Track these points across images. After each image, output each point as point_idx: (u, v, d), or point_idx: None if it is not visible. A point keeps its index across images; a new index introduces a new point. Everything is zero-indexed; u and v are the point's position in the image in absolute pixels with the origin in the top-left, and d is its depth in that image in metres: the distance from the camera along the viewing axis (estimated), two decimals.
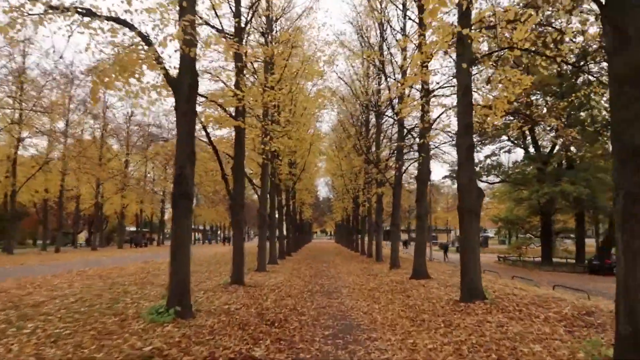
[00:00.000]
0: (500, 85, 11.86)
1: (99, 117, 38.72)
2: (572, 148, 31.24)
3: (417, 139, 16.04)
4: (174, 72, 8.19)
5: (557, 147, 34.15)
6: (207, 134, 12.90)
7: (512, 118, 33.45)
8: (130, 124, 43.21)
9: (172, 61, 13.32)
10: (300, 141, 25.51)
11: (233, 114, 12.83)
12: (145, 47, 7.59)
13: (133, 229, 71.73)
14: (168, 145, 44.13)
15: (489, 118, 13.20)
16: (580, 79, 32.37)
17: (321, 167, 56.65)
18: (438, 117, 15.15)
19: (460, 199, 10.32)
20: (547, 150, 35.05)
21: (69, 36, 7.59)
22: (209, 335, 6.54)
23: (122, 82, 7.07)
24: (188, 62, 8.09)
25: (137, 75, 7.34)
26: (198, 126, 14.38)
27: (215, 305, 9.11)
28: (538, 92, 31.90)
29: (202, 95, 12.07)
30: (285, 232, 33.40)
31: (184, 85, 7.97)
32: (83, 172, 34.36)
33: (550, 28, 11.64)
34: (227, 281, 12.73)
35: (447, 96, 18.23)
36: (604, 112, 31.85)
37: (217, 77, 14.04)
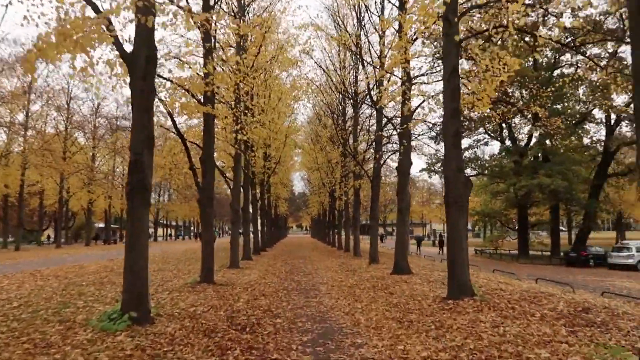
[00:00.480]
0: (488, 73, 11.23)
1: (63, 109, 36.80)
2: (548, 141, 31.24)
3: (397, 129, 15.33)
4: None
5: (533, 140, 34.17)
6: (173, 121, 11.87)
7: (490, 109, 33.39)
8: (97, 117, 41.33)
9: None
10: (275, 133, 24.62)
11: (202, 101, 11.83)
12: (93, 15, 6.55)
13: (103, 225, 69.48)
14: None
15: (473, 109, 12.60)
16: (557, 72, 32.36)
17: (297, 160, 55.86)
18: (419, 105, 14.47)
19: (447, 190, 9.63)
20: (524, 143, 35.01)
21: (7, 5, 6.54)
22: (167, 345, 5.61)
23: (65, 52, 6.03)
24: (144, 33, 7.08)
25: (87, 48, 6.31)
26: (163, 111, 13.38)
27: (179, 307, 8.16)
28: (514, 84, 31.71)
29: (166, 79, 11.05)
30: (260, 227, 32.44)
31: (140, 58, 6.96)
32: (45, 165, 32.52)
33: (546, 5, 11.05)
34: (196, 280, 11.76)
35: (427, 84, 17.56)
36: (579, 105, 31.96)
37: (182, 59, 12.94)
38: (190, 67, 12.71)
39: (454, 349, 5.54)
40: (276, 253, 29.28)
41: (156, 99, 10.61)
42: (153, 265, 17.78)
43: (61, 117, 36.58)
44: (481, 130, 35.94)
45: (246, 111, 16.25)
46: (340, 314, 8.10)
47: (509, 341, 5.79)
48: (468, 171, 38.36)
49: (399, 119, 20.98)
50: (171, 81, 11.03)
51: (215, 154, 21.15)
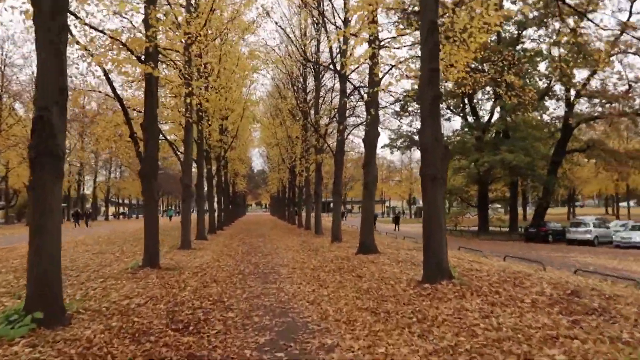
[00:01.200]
0: (466, 34, 10.16)
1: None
2: (509, 118, 31.05)
3: (364, 96, 14.14)
4: None
5: (495, 116, 33.98)
6: (108, 79, 10.18)
7: (462, 78, 32.77)
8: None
9: None
10: (232, 102, 22.98)
11: (142, 58, 10.16)
12: None
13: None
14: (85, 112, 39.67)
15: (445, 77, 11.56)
16: (519, 46, 32.00)
17: (256, 136, 54.02)
18: (388, 71, 13.29)
19: (424, 163, 8.56)
20: (485, 119, 34.76)
21: None
22: (78, 358, 4.27)
23: None
24: None
25: None
26: (99, 74, 11.57)
27: (110, 300, 6.76)
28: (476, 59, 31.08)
29: (98, 30, 9.33)
30: (216, 205, 30.83)
31: None
32: None
33: None
34: (138, 264, 10.30)
35: (397, 48, 16.42)
36: (542, 81, 31.84)
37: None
38: (129, 20, 11.00)
39: (447, 350, 4.48)
40: (233, 232, 27.87)
41: (84, 52, 8.95)
42: (95, 246, 16.08)
43: None
44: (442, 105, 35.37)
45: (198, 74, 14.63)
46: (304, 304, 6.95)
47: (510, 337, 4.80)
48: None
49: (365, 88, 19.83)
50: (103, 32, 9.32)
51: (165, 127, 19.40)
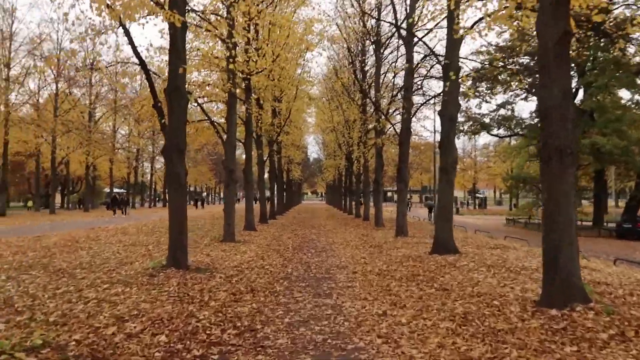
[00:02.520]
0: None
1: (53, 62, 33.18)
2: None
3: (441, 61, 11.43)
4: None
5: (580, 95, 29.71)
6: (129, 37, 8.23)
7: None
8: (92, 72, 37.59)
9: None
10: (284, 81, 20.94)
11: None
12: None
13: (116, 190, 67.04)
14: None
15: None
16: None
17: (310, 122, 52.04)
18: (478, 21, 10.49)
19: (546, 131, 5.91)
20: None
21: None
22: None
23: None
24: None
25: None
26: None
27: (91, 326, 4.70)
28: None
29: None
30: (268, 193, 29.10)
31: None
32: (30, 123, 29.30)
33: None
34: (162, 263, 8.35)
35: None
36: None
37: None
38: None
39: None
40: (286, 222, 25.95)
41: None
42: (132, 237, 14.52)
43: (49, 70, 32.96)
44: (512, 83, 31.36)
45: (245, 36, 12.63)
46: (373, 341, 4.55)
47: None
48: (501, 131, 34.25)
49: (434, 58, 17.05)
50: None
51: (203, 104, 17.55)
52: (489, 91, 31.92)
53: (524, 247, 14.10)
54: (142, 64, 8.50)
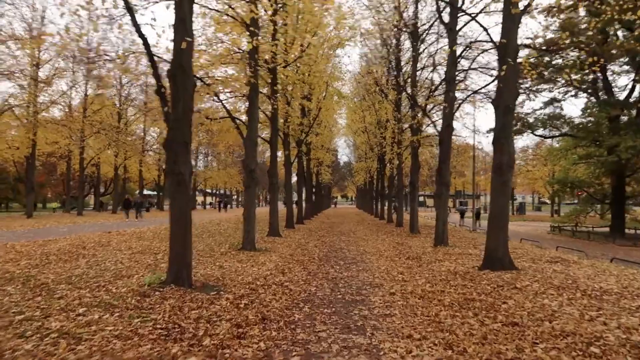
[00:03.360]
0: None
1: (82, 61, 32.90)
2: None
3: (494, 41, 9.72)
4: None
5: (637, 93, 27.13)
6: (130, 9, 6.95)
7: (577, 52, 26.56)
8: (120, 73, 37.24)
9: None
10: (313, 76, 19.59)
11: None
12: None
13: (146, 192, 67.16)
14: None
15: None
16: None
17: (341, 124, 50.58)
18: None
19: None
20: (623, 95, 27.94)
21: None
22: None
23: None
24: None
25: None
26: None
27: None
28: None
29: None
30: (296, 196, 27.75)
31: None
32: (57, 123, 28.92)
33: None
34: (160, 278, 6.99)
35: None
36: None
37: None
38: None
39: None
40: (314, 226, 24.49)
41: None
42: (145, 242, 13.34)
43: (79, 69, 32.62)
44: (562, 81, 28.97)
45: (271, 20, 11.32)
46: None
47: None
48: (546, 132, 31.76)
49: (482, 44, 15.37)
50: None
51: (226, 101, 16.28)
52: (533, 88, 29.65)
53: (583, 259, 12.16)
54: (144, 41, 7.19)
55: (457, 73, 15.07)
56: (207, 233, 17.26)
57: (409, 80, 20.41)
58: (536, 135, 31.18)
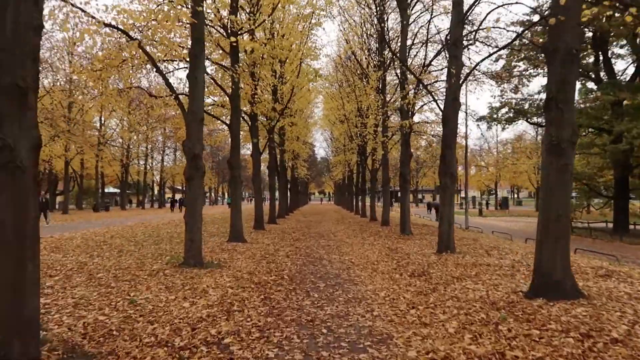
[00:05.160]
0: None
1: None
2: None
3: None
4: None
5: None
6: None
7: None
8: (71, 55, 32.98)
9: None
10: (285, 50, 16.52)
11: None
12: None
13: (118, 190, 62.52)
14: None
15: None
16: None
17: (317, 116, 47.60)
18: None
19: None
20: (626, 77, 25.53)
21: None
22: None
23: None
24: None
25: None
26: None
27: None
28: None
29: None
30: (268, 192, 24.41)
31: None
32: None
33: None
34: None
35: None
36: None
37: None
38: None
39: None
40: (288, 227, 21.24)
41: None
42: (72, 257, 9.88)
43: None
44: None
45: None
46: None
47: None
48: (543, 120, 29.17)
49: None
50: None
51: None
52: (527, 72, 27.04)
53: (634, 268, 9.29)
54: None
55: (464, 34, 12.00)
56: (153, 238, 13.86)
57: (397, 51, 17.34)
58: (530, 123, 28.62)
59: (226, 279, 7.55)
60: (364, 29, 21.43)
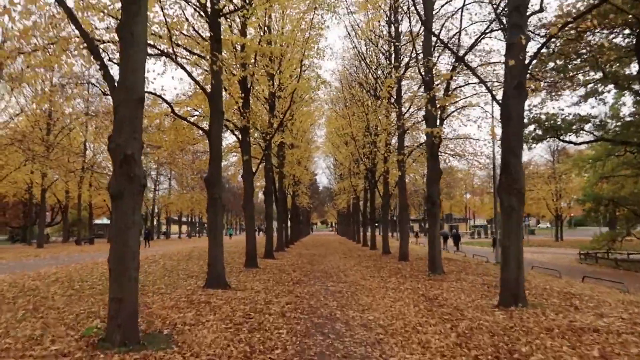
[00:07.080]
0: None
1: None
2: None
3: None
4: None
5: None
6: None
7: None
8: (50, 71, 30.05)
9: None
10: (282, 45, 13.51)
11: None
12: None
13: (105, 221, 58.93)
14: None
15: None
16: None
17: (319, 140, 44.91)
18: None
19: None
20: None
21: None
22: None
23: None
24: None
25: None
26: None
27: None
28: None
29: None
30: (265, 222, 20.94)
31: None
32: None
33: None
34: None
35: None
36: None
37: None
38: None
39: None
40: (287, 262, 17.57)
41: None
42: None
43: None
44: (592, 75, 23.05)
45: None
46: None
47: None
48: (573, 137, 25.77)
49: None
50: None
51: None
52: (550, 88, 23.77)
53: None
54: None
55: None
56: (79, 291, 10.28)
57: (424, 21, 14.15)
58: (562, 142, 25.18)
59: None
60: (374, 25, 18.48)
